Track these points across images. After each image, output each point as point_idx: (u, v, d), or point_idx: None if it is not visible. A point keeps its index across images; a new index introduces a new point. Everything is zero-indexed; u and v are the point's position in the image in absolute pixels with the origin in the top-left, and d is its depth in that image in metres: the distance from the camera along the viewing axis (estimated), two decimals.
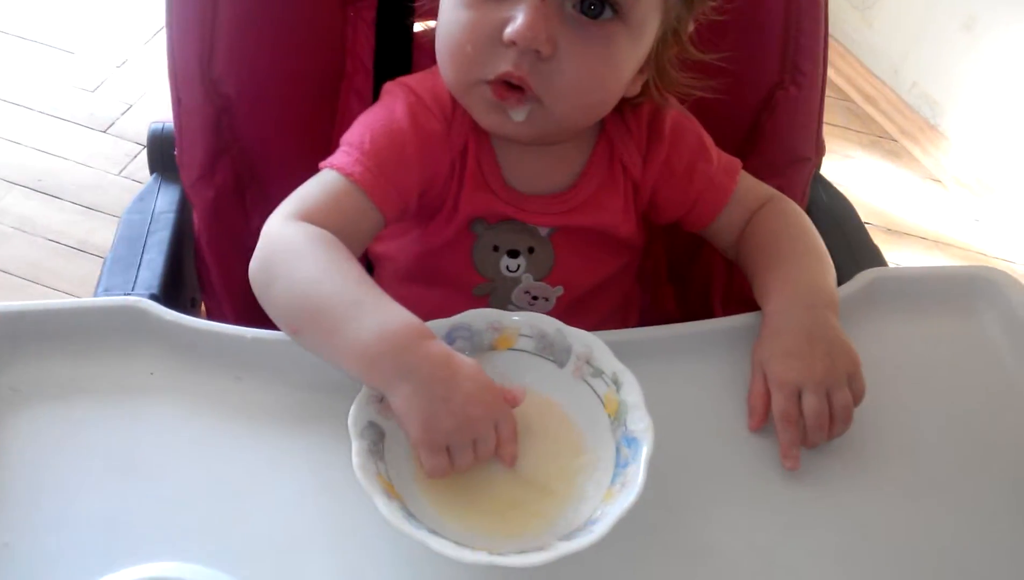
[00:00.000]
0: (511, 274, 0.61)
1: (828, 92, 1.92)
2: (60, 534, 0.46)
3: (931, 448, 0.52)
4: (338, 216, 0.52)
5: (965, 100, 1.57)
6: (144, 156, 1.51)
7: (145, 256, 0.64)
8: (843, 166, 1.63)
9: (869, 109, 1.74)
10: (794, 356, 0.51)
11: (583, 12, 0.50)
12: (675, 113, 0.61)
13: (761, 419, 0.51)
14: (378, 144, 0.54)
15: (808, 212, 0.71)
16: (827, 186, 0.74)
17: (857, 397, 0.51)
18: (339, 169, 0.54)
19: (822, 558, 0.47)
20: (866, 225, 0.71)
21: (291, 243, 0.50)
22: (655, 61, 0.56)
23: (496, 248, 0.60)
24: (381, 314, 0.46)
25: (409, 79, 0.59)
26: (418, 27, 0.69)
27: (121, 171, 1.49)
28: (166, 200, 0.70)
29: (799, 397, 0.50)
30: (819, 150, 0.71)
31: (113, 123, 1.57)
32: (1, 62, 1.68)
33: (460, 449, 0.44)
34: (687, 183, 0.60)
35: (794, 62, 0.67)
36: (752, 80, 0.68)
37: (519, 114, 0.52)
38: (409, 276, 0.63)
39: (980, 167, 1.57)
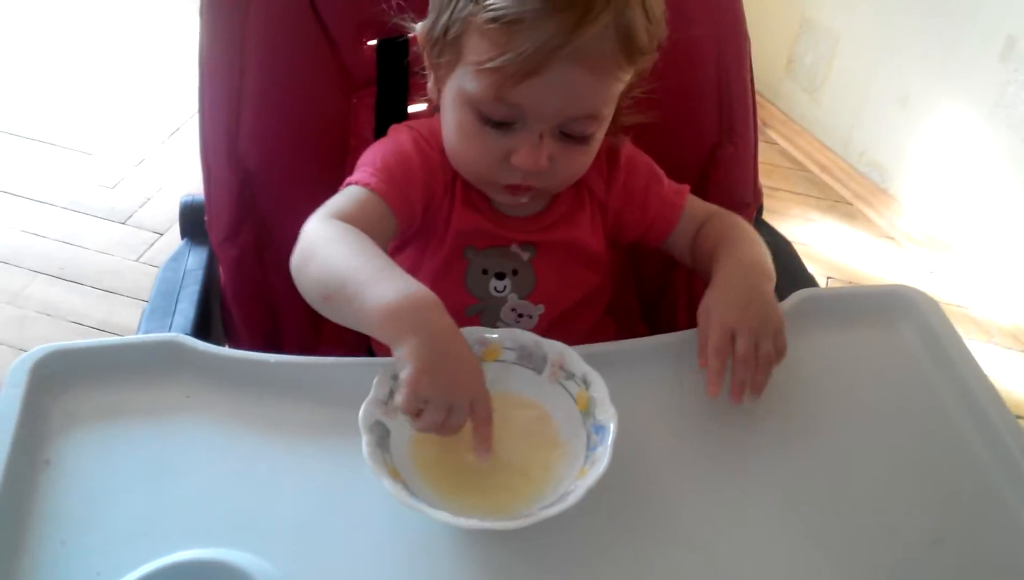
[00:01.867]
0: (499, 294, 0.70)
1: (788, 164, 2.08)
2: (108, 531, 0.52)
3: (860, 438, 0.60)
4: (363, 218, 0.61)
5: (909, 166, 1.70)
6: (161, 243, 1.63)
7: (179, 305, 0.72)
8: (805, 229, 1.75)
9: (825, 177, 1.87)
10: (734, 306, 0.60)
11: (571, 136, 0.61)
12: (628, 146, 0.72)
13: (703, 367, 0.59)
14: (388, 162, 0.65)
15: None
16: (767, 227, 0.84)
17: (779, 352, 0.59)
18: (359, 183, 0.64)
19: (764, 530, 0.54)
20: (828, 280, 0.79)
21: (326, 232, 0.59)
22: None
23: (485, 271, 0.69)
24: (405, 281, 0.54)
25: (410, 121, 0.71)
26: (412, 108, 0.81)
27: (139, 257, 1.58)
28: (196, 260, 0.79)
29: (732, 339, 0.58)
30: (756, 196, 0.82)
31: (132, 215, 1.67)
32: (26, 165, 1.79)
33: (436, 407, 0.51)
34: (644, 204, 0.71)
35: (729, 123, 0.79)
36: (695, 141, 0.80)
37: (523, 199, 0.65)
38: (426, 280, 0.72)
39: (929, 224, 1.68)
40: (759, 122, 0.81)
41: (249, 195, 0.77)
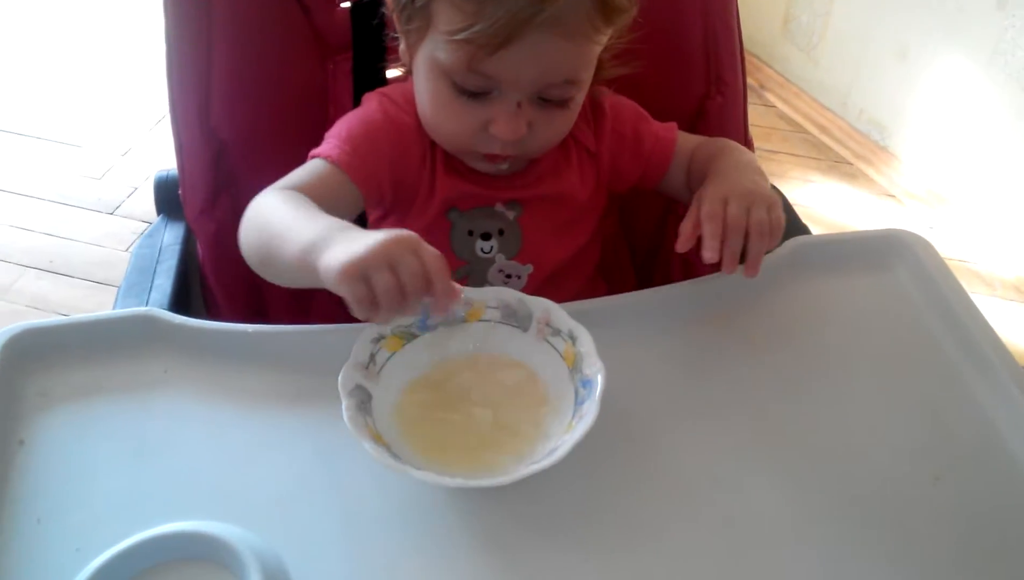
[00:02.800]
0: (485, 255, 0.68)
1: (787, 127, 2.05)
2: (86, 509, 0.51)
3: (858, 382, 0.58)
4: (318, 190, 0.60)
5: (909, 121, 1.68)
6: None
7: (155, 281, 0.71)
8: (806, 190, 1.73)
9: (824, 138, 1.85)
10: (725, 182, 0.59)
11: (550, 101, 0.59)
12: (610, 95, 0.70)
13: (687, 241, 0.58)
14: (354, 132, 0.63)
15: None
16: None
17: (775, 226, 0.57)
18: (321, 155, 0.62)
19: (760, 478, 0.53)
20: None
21: (263, 202, 0.58)
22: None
23: (471, 232, 0.68)
24: (318, 222, 0.53)
25: (384, 88, 0.69)
26: (391, 73, 0.79)
27: (128, 247, 1.57)
28: (172, 235, 0.78)
29: (725, 205, 0.57)
30: (747, 147, 0.80)
31: (120, 205, 1.67)
32: (11, 159, 1.79)
33: (376, 270, 0.46)
34: (638, 144, 0.69)
35: (717, 74, 0.77)
36: (682, 93, 0.78)
37: (503, 165, 0.64)
38: None
39: (930, 180, 1.66)
40: (757, 85, 0.79)
41: (225, 167, 0.75)
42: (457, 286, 0.51)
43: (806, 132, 1.88)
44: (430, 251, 0.50)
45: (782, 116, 1.92)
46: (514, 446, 0.52)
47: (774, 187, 0.67)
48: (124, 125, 1.87)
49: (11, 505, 0.51)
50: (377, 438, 0.51)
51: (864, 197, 1.72)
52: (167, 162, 0.78)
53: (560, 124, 0.62)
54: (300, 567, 0.47)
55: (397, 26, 0.62)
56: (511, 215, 0.68)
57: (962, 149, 1.59)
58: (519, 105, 0.58)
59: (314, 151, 0.64)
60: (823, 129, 1.86)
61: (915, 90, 1.64)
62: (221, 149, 0.74)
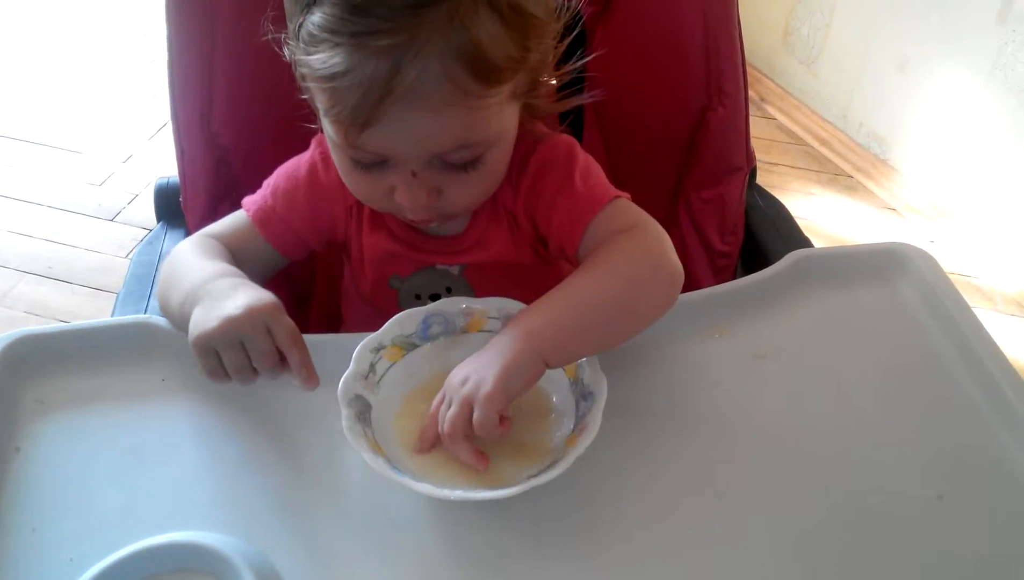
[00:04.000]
0: None
1: (787, 139, 2.05)
2: (81, 518, 0.51)
3: (860, 397, 0.58)
4: (236, 242, 0.62)
5: (909, 135, 1.68)
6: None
7: (154, 289, 0.71)
8: (806, 203, 1.73)
9: (824, 151, 1.85)
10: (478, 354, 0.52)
11: (454, 165, 0.54)
12: (548, 147, 0.61)
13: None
14: (277, 189, 0.63)
15: (746, 213, 0.80)
16: (761, 191, 0.82)
17: (476, 421, 0.48)
18: (246, 207, 0.63)
19: (762, 493, 0.52)
20: None
21: (179, 246, 0.61)
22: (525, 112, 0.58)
23: (418, 296, 0.65)
24: (202, 270, 0.55)
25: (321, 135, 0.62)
26: None
27: (128, 254, 1.57)
28: (172, 242, 0.77)
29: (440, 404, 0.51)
30: (749, 159, 0.80)
31: (120, 212, 1.66)
32: (10, 164, 1.79)
33: (225, 348, 0.49)
34: (550, 214, 0.59)
35: (718, 85, 0.77)
36: (684, 103, 0.78)
37: (432, 224, 0.60)
38: (365, 302, 0.69)
39: (930, 194, 1.66)
40: (757, 97, 0.79)
41: (226, 174, 0.75)
42: (312, 369, 0.51)
43: (806, 144, 1.88)
44: (284, 326, 0.50)
45: (782, 128, 1.92)
46: (514, 459, 0.52)
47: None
48: (125, 132, 1.87)
49: (6, 513, 0.51)
50: (376, 449, 0.50)
51: (865, 210, 1.72)
52: (167, 169, 0.78)
53: (474, 186, 0.56)
54: (296, 579, 0.46)
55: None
56: (455, 270, 0.64)
57: (962, 163, 1.59)
58: (414, 174, 0.54)
59: (246, 198, 0.64)
60: (823, 142, 1.86)
61: (915, 103, 1.64)
62: (222, 156, 0.74)
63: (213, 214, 0.75)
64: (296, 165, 0.65)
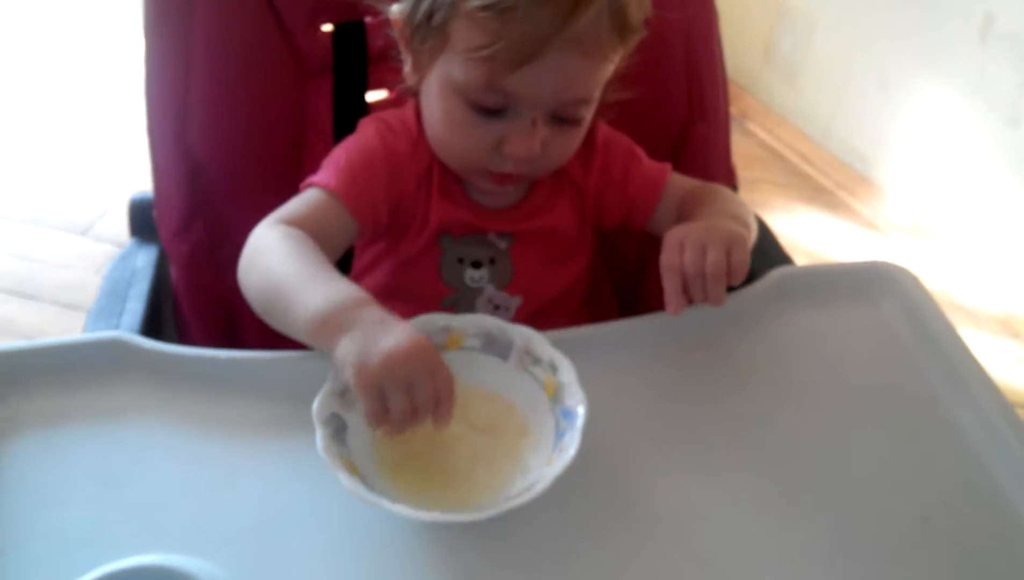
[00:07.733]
0: (475, 285, 0.67)
1: (768, 156, 2.07)
2: (50, 541, 0.49)
3: (842, 416, 0.57)
4: (315, 222, 0.59)
5: (891, 152, 1.70)
6: None
7: (127, 305, 0.69)
8: (788, 220, 1.74)
9: (806, 168, 1.87)
10: (684, 229, 0.58)
11: (564, 119, 0.59)
12: (604, 128, 0.69)
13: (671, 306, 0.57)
14: (352, 160, 0.63)
15: None
16: None
17: (735, 267, 0.56)
18: (318, 184, 0.61)
19: (744, 514, 0.51)
20: None
21: (266, 240, 0.57)
22: None
23: (461, 260, 0.67)
24: (330, 286, 0.52)
25: (381, 113, 0.68)
26: (371, 96, 0.79)
27: (99, 270, 1.53)
28: (145, 258, 0.76)
29: (681, 250, 0.56)
30: (730, 176, 0.80)
31: (91, 226, 1.62)
32: None
33: (392, 390, 0.47)
34: (624, 183, 0.68)
35: (699, 100, 0.77)
36: (665, 119, 0.78)
37: (510, 187, 0.64)
38: (384, 293, 0.68)
39: (913, 211, 1.68)
40: (738, 114, 0.79)
41: (201, 188, 0.74)
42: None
43: (788, 161, 1.89)
44: (444, 373, 0.49)
45: (764, 145, 1.94)
46: (492, 480, 0.51)
47: (758, 217, 0.66)
48: (96, 145, 1.83)
49: None
50: (352, 469, 0.49)
51: (847, 228, 1.73)
52: (140, 184, 0.77)
53: (570, 144, 0.62)
54: None
55: (404, 46, 0.62)
56: (503, 245, 0.67)
57: (945, 181, 1.60)
58: (534, 123, 0.58)
59: (311, 179, 0.63)
60: (805, 158, 1.87)
61: (897, 121, 1.66)
62: (197, 169, 0.73)
63: (186, 229, 0.74)
64: (362, 138, 0.65)
